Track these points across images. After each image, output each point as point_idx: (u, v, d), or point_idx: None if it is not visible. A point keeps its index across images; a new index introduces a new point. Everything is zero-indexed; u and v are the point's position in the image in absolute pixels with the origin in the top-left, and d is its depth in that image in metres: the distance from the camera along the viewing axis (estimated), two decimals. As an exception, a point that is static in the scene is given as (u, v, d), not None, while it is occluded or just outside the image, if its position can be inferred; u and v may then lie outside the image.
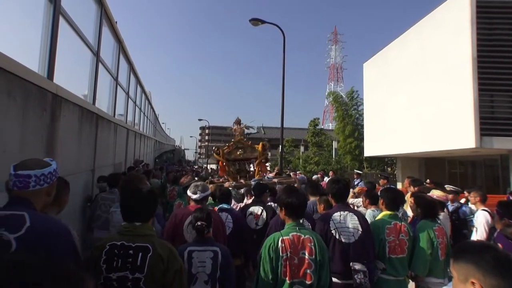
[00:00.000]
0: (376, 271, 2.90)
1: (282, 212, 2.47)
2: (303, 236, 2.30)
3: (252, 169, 7.73)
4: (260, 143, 7.66)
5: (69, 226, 1.53)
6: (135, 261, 1.72)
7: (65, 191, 1.93)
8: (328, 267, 2.32)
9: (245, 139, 8.08)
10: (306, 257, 2.23)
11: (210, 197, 4.45)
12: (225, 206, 3.52)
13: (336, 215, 2.88)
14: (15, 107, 2.35)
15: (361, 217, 2.94)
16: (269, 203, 4.27)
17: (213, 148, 8.19)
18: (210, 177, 9.38)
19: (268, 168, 11.79)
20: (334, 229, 2.81)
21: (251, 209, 3.96)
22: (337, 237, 2.79)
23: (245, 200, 5.10)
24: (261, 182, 5.12)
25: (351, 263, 2.69)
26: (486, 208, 4.15)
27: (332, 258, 2.72)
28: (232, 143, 7.97)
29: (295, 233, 2.31)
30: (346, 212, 2.91)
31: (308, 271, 2.21)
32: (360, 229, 2.83)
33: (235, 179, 7.19)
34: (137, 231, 1.81)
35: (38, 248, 1.27)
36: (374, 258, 2.92)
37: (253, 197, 4.80)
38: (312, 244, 2.27)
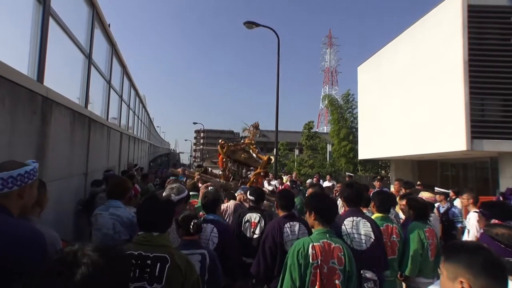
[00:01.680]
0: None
1: (311, 217, 2.38)
2: (333, 244, 2.20)
3: (249, 176, 7.58)
4: (266, 156, 7.45)
5: (51, 234, 1.50)
6: (153, 271, 1.70)
7: (41, 190, 1.85)
8: (356, 280, 2.24)
9: (254, 145, 7.85)
10: (336, 266, 2.13)
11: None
12: (211, 216, 3.09)
13: (349, 220, 2.77)
14: (3, 110, 2.32)
15: (374, 224, 2.82)
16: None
17: (220, 140, 7.83)
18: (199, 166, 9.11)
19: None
20: (345, 234, 2.71)
21: (248, 216, 3.62)
22: (348, 243, 2.66)
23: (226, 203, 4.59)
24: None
25: (361, 271, 2.56)
26: (478, 210, 4.20)
27: None
28: (242, 143, 7.80)
29: (325, 240, 2.21)
30: (358, 218, 2.79)
31: (337, 281, 2.10)
32: (373, 236, 2.72)
33: (228, 178, 7.05)
34: (155, 241, 1.80)
35: (4, 256, 1.23)
36: (386, 268, 2.82)
37: (232, 201, 4.60)
38: (342, 253, 2.18)
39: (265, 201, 5.54)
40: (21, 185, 1.46)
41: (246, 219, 3.59)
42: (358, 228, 2.74)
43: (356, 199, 2.95)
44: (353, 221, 2.76)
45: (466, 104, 7.64)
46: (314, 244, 2.17)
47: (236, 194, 5.01)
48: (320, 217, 2.33)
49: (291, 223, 2.91)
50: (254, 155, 7.58)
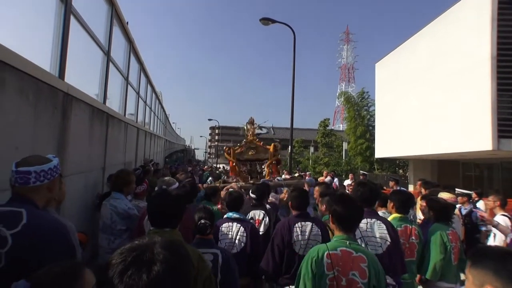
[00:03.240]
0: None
1: (331, 221, 2.17)
2: (354, 253, 1.92)
3: (264, 170, 7.71)
4: (272, 144, 7.53)
5: (68, 226, 1.54)
6: None
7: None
8: None
9: (257, 140, 8.02)
10: (357, 279, 1.86)
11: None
12: (235, 215, 3.02)
13: (363, 222, 2.58)
14: (27, 105, 2.38)
15: (390, 226, 2.65)
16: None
17: (224, 147, 8.21)
18: (224, 177, 9.37)
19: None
20: (360, 238, 2.56)
21: (252, 213, 3.60)
22: (363, 246, 2.52)
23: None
24: (268, 183, 4.96)
25: None
26: (505, 213, 4.01)
27: None
28: (244, 143, 7.94)
29: (344, 248, 1.95)
30: (373, 220, 2.63)
31: None
32: (389, 239, 2.55)
33: (246, 179, 7.14)
34: (166, 236, 1.78)
35: (32, 247, 1.28)
36: (404, 272, 2.66)
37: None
38: (366, 265, 1.89)
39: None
40: (51, 179, 1.52)
41: (249, 216, 3.57)
42: (373, 230, 2.59)
43: (370, 199, 2.76)
44: (367, 223, 2.61)
45: (493, 101, 7.28)
46: (330, 252, 1.92)
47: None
48: (336, 221, 2.09)
49: (302, 223, 2.80)
50: (260, 148, 7.68)
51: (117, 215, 3.06)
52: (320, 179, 10.06)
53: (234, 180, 7.23)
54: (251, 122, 8.08)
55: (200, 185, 6.93)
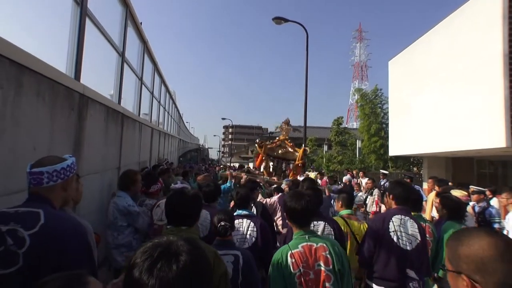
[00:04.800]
0: None
1: (287, 219, 2.22)
2: (315, 245, 2.01)
3: (289, 168, 8.02)
4: (302, 148, 7.97)
5: (86, 226, 1.57)
6: None
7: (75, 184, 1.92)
8: (349, 275, 2.06)
9: (288, 140, 8.33)
10: (323, 268, 1.95)
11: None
12: (244, 212, 3.13)
13: (397, 217, 2.72)
14: (44, 106, 2.45)
15: (420, 226, 2.75)
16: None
17: (257, 140, 8.62)
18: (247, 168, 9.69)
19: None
20: (393, 231, 2.64)
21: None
22: (395, 240, 2.61)
23: (273, 197, 5.15)
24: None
25: (406, 270, 2.52)
26: None
27: (387, 263, 2.56)
28: (277, 140, 8.23)
29: (305, 243, 2.02)
30: (407, 218, 2.73)
31: (327, 284, 1.93)
32: (419, 238, 2.65)
33: (270, 174, 7.43)
34: (182, 234, 1.81)
35: (50, 247, 1.29)
36: (429, 274, 2.72)
37: (280, 194, 5.00)
38: (327, 252, 1.98)
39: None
40: (64, 179, 1.53)
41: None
42: (406, 227, 2.68)
43: (406, 197, 2.84)
44: (401, 219, 2.70)
45: (506, 98, 7.13)
46: (293, 251, 1.99)
47: (282, 186, 5.50)
48: (291, 218, 2.15)
49: (315, 222, 2.83)
50: (290, 149, 7.98)
51: (117, 211, 3.21)
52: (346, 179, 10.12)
53: (257, 172, 7.55)
54: (287, 122, 8.41)
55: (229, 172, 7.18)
